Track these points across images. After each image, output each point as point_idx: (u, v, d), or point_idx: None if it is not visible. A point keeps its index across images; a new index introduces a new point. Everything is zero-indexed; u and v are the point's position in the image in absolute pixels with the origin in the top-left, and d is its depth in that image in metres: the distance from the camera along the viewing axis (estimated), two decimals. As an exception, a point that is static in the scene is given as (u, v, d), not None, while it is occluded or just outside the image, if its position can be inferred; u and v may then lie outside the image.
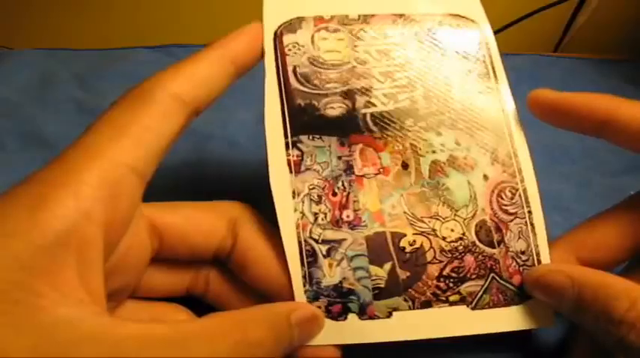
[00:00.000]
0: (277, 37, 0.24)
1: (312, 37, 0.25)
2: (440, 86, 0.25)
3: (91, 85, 0.36)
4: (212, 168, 0.32)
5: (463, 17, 0.26)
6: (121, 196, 0.18)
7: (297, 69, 0.24)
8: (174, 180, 0.31)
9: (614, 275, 0.21)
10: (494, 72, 0.25)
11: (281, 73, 0.24)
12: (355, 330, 0.22)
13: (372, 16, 0.25)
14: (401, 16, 0.26)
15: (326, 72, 0.24)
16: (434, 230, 0.23)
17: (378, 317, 0.22)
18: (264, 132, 0.23)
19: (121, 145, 0.19)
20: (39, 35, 0.48)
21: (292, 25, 0.25)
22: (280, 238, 0.22)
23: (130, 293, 0.22)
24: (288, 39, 0.24)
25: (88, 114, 0.34)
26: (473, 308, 0.22)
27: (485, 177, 0.24)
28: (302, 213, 0.22)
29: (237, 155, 0.33)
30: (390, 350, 0.22)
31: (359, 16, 0.25)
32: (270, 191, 0.22)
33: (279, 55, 0.24)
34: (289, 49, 0.24)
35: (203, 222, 0.22)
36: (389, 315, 0.22)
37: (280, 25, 0.24)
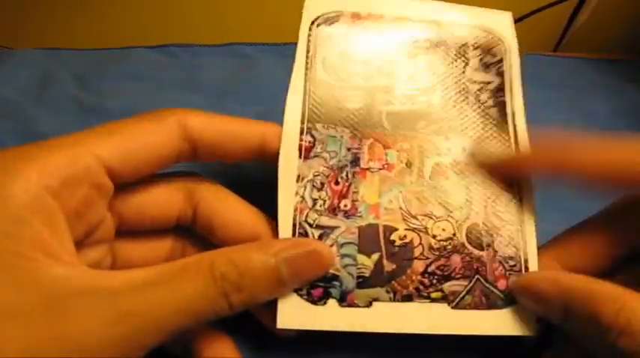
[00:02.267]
0: (312, 27, 0.26)
1: (347, 32, 0.26)
2: (457, 93, 0.26)
3: (91, 85, 0.36)
4: (212, 168, 0.32)
5: (492, 32, 0.27)
6: (84, 180, 0.20)
7: (326, 60, 0.26)
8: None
9: (601, 281, 0.20)
10: (510, 87, 0.26)
11: (310, 62, 0.25)
12: (334, 317, 0.22)
13: (407, 19, 0.27)
14: (433, 22, 0.27)
15: (353, 65, 0.26)
16: (425, 228, 0.23)
17: (358, 306, 0.22)
18: (283, 116, 0.24)
19: (101, 141, 0.20)
20: (39, 35, 0.48)
21: (329, 18, 0.26)
22: (241, 198, 0.23)
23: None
24: (322, 30, 0.26)
25: (88, 114, 0.35)
26: (454, 308, 0.22)
27: (484, 183, 0.24)
28: (302, 197, 0.23)
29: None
30: (368, 345, 0.22)
31: (394, 17, 0.27)
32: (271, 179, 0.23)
33: (311, 45, 0.26)
34: (322, 40, 0.26)
35: (158, 196, 0.23)
36: (369, 305, 0.22)
37: (318, 17, 0.26)
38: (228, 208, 0.23)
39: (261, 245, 0.22)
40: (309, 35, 0.26)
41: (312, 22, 0.26)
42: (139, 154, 0.21)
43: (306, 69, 0.25)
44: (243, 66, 0.38)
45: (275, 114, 0.37)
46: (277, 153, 0.23)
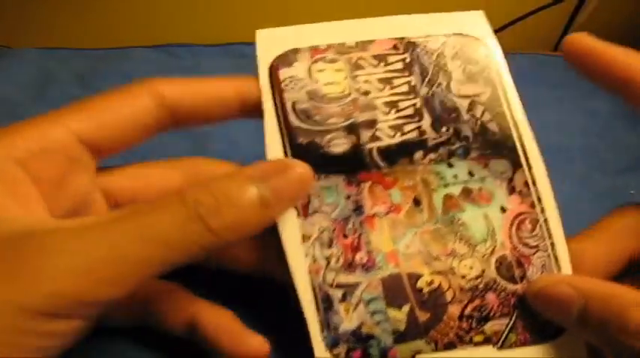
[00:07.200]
0: (273, 72, 0.23)
1: (309, 69, 0.23)
2: (448, 112, 0.23)
3: (91, 85, 0.36)
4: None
5: (468, 36, 0.24)
6: (57, 152, 0.20)
7: (296, 105, 0.22)
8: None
9: (620, 285, 0.20)
10: (504, 94, 0.23)
11: (280, 110, 0.22)
12: None
13: (371, 42, 0.23)
14: (402, 39, 0.24)
15: (326, 106, 0.23)
16: (452, 268, 0.21)
17: None
18: None
19: (73, 115, 0.20)
20: (39, 34, 0.48)
21: (287, 58, 0.23)
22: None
23: None
24: (284, 73, 0.23)
25: (88, 114, 0.34)
26: (499, 348, 0.21)
27: (503, 209, 0.22)
28: (313, 257, 0.21)
29: (237, 154, 0.33)
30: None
31: (356, 43, 0.23)
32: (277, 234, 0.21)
33: (276, 91, 0.22)
34: (286, 84, 0.23)
35: (153, 179, 0.23)
36: None
37: (275, 58, 0.23)
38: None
39: (234, 171, 0.20)
40: (271, 82, 0.22)
41: (271, 67, 0.23)
42: (113, 124, 0.21)
43: (278, 120, 0.22)
44: (243, 66, 0.38)
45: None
46: (258, 104, 0.22)
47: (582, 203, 0.30)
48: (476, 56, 0.24)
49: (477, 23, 0.24)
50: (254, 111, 0.22)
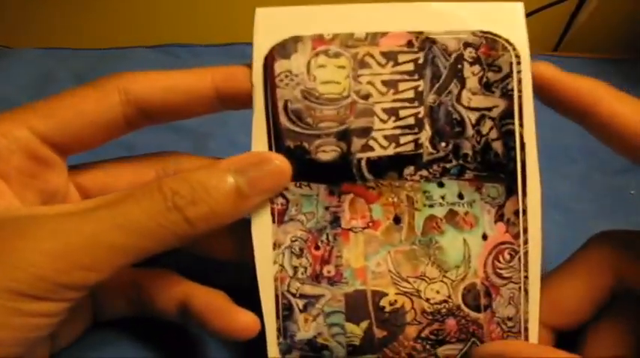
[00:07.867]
0: (268, 64, 0.20)
1: (309, 63, 0.21)
2: (452, 126, 0.21)
3: (91, 85, 0.36)
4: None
5: (495, 37, 0.21)
6: (17, 151, 0.19)
7: (289, 104, 0.21)
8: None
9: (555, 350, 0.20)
10: (520, 111, 0.21)
11: (270, 108, 0.20)
12: None
13: (383, 34, 0.21)
14: (418, 35, 0.21)
15: (321, 108, 0.21)
16: (418, 291, 0.21)
17: None
18: None
19: (35, 113, 0.20)
20: (39, 34, 0.48)
21: (286, 48, 0.20)
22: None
23: None
24: (280, 66, 0.20)
25: (87, 114, 0.34)
26: None
27: (485, 236, 0.21)
28: (281, 265, 0.21)
29: (237, 154, 0.33)
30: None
31: (367, 35, 0.21)
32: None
33: (268, 87, 0.20)
34: (280, 80, 0.20)
35: (127, 174, 0.22)
36: None
37: (273, 48, 0.20)
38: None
39: (211, 163, 0.20)
40: (265, 75, 0.20)
41: (267, 58, 0.20)
42: (76, 122, 0.20)
43: (267, 119, 0.20)
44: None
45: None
46: (241, 95, 0.21)
47: (582, 203, 0.30)
48: (499, 62, 0.21)
49: (510, 19, 0.21)
50: (237, 102, 0.21)
